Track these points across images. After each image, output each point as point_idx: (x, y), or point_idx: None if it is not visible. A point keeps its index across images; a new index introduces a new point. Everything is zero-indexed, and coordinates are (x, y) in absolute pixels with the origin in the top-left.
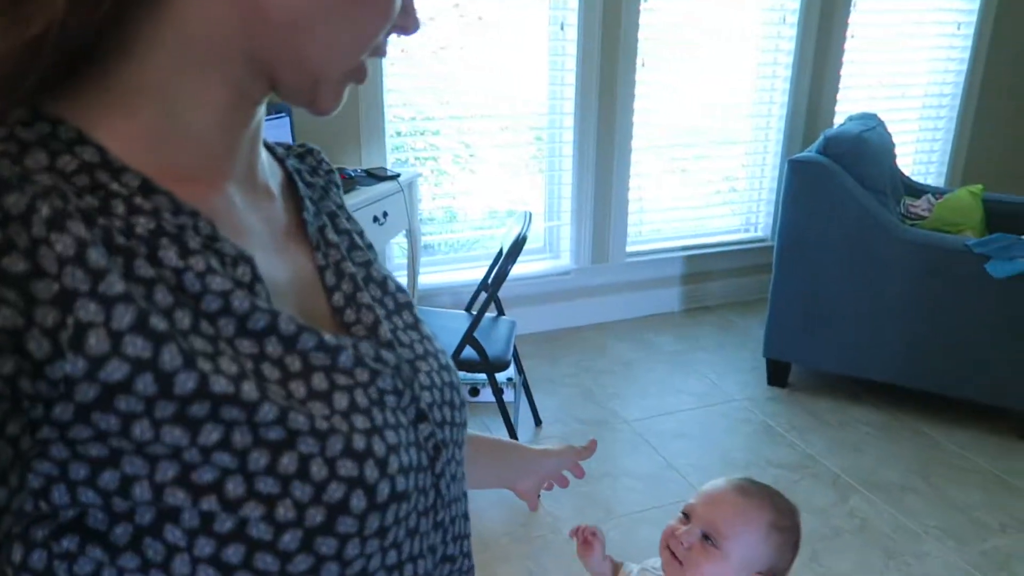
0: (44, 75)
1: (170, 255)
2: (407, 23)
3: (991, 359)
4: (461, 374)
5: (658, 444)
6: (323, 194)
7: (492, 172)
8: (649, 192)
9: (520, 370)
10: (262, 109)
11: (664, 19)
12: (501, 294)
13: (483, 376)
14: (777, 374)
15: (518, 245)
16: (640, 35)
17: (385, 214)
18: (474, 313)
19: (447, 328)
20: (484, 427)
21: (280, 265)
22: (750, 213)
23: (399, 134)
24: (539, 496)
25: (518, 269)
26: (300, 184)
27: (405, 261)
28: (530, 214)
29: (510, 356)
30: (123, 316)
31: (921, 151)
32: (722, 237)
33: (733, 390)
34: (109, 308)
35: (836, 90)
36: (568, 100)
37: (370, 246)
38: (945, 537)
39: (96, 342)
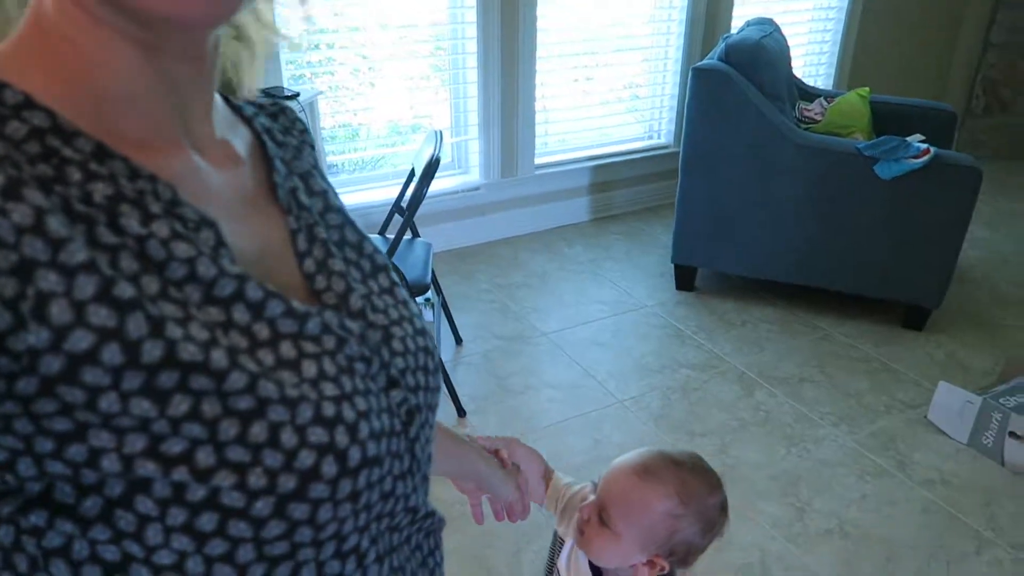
0: None
1: (132, 223)
2: None
3: (878, 256)
4: None
5: (575, 354)
6: (296, 154)
7: (393, 85)
8: (554, 103)
9: (438, 290)
10: (198, 66)
11: None
12: None
13: None
14: (684, 279)
15: (432, 166)
16: None
17: None
18: (390, 237)
19: None
20: None
21: (247, 231)
22: (653, 120)
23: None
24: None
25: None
26: (270, 144)
27: None
28: (440, 133)
29: (429, 279)
30: (86, 285)
31: (811, 54)
32: (627, 145)
33: (643, 296)
34: (71, 278)
35: None
36: (470, 9)
37: (342, 209)
38: (839, 422)
39: (58, 312)
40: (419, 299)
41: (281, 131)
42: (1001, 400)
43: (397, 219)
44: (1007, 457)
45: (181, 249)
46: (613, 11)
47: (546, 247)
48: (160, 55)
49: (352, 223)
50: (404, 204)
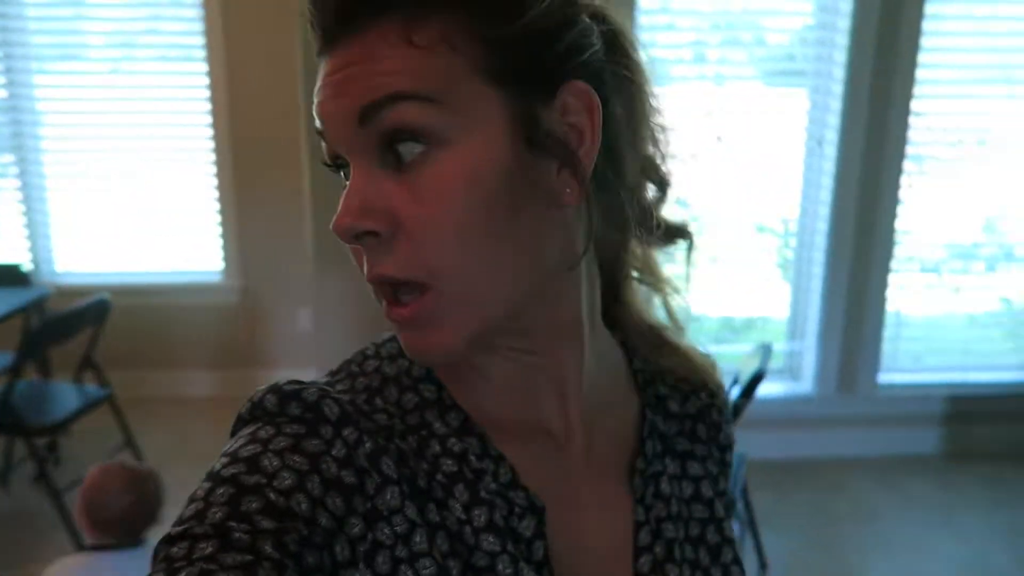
0: None
1: (457, 506)
2: None
3: None
4: None
5: None
6: (689, 426)
7: (733, 279)
8: (910, 311)
9: (747, 505)
10: (539, 360)
11: (937, 119)
12: None
13: None
14: None
15: (755, 381)
16: (911, 135)
17: None
18: None
19: None
20: None
21: (583, 518)
22: None
23: None
24: None
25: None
26: (650, 421)
27: None
28: (771, 346)
29: (739, 492)
30: (404, 548)
31: None
32: (998, 374)
33: (1006, 564)
34: (397, 538)
35: None
36: (824, 204)
37: (723, 496)
38: None
39: (382, 561)
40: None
41: (684, 394)
42: None
43: None
44: None
45: (488, 542)
46: (998, 214)
47: (881, 478)
48: (531, 355)
49: (719, 522)
50: None
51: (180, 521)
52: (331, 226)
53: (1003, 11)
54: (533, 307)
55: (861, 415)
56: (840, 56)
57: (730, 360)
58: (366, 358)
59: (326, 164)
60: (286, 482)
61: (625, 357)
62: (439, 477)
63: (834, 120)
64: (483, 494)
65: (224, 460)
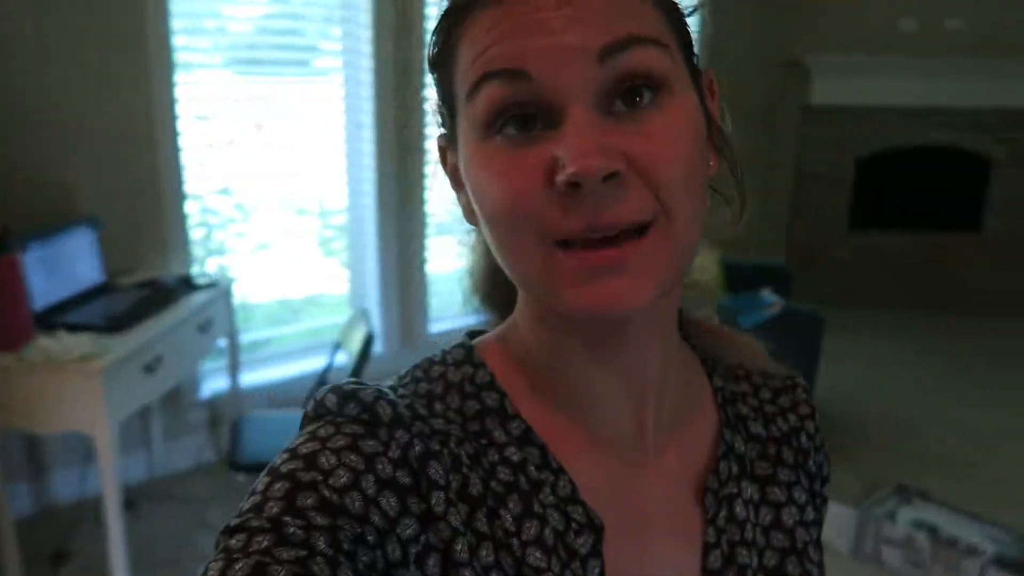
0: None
1: (508, 517)
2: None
3: None
4: None
5: None
6: (773, 448)
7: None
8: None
9: None
10: (620, 373)
11: None
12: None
13: None
14: None
15: (368, 343)
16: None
17: (209, 322)
18: None
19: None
20: None
21: (650, 535)
22: None
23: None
24: None
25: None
26: (727, 439)
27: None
28: (367, 311)
29: None
30: (455, 552)
31: None
32: None
33: None
34: (448, 541)
35: None
36: (368, 182)
37: (808, 527)
38: None
39: (433, 564)
40: None
41: (769, 416)
42: (873, 510)
43: None
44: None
45: (535, 557)
46: None
47: None
48: (575, 361)
49: (800, 552)
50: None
51: (239, 513)
52: (573, 169)
53: None
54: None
55: None
56: (366, 48)
57: (292, 340)
58: (432, 363)
59: (490, 120)
60: (341, 480)
61: (705, 373)
62: (494, 486)
63: (368, 105)
64: (536, 507)
65: (284, 456)
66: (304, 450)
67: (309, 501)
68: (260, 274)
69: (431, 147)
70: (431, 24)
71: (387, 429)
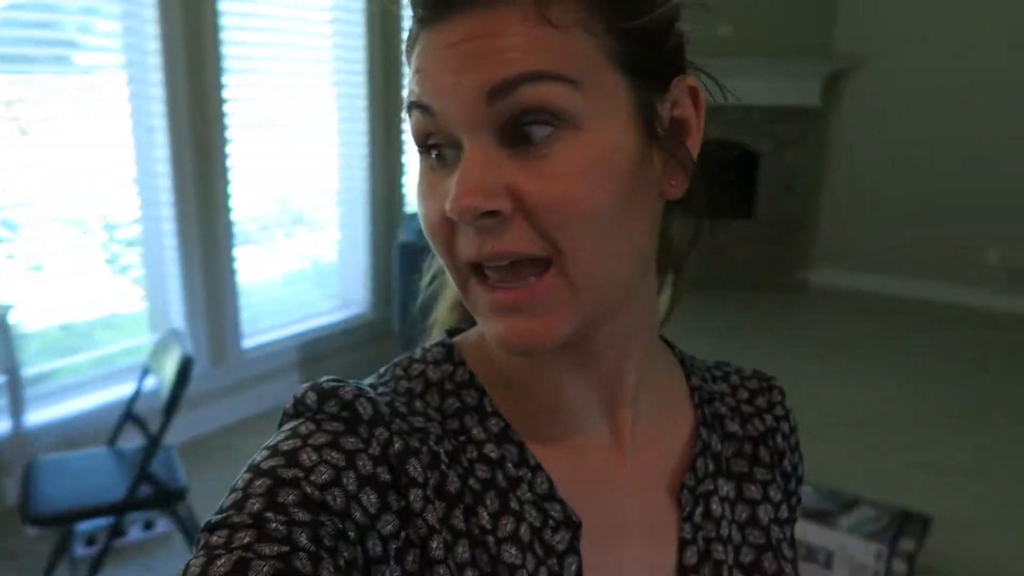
0: None
1: (484, 515)
2: None
3: None
4: (136, 515)
5: None
6: (749, 447)
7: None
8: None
9: None
10: (581, 371)
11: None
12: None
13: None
14: None
15: (187, 366)
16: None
17: None
18: (124, 447)
19: (103, 470)
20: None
21: (627, 532)
22: (349, 293)
23: None
24: None
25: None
26: (703, 438)
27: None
28: (179, 330)
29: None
30: (431, 549)
31: None
32: (324, 319)
33: None
34: (424, 538)
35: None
36: (165, 191)
37: (784, 525)
38: None
39: (412, 560)
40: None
41: (746, 416)
42: None
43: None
44: None
45: (509, 555)
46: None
47: (267, 432)
48: (545, 374)
49: (775, 549)
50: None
51: (220, 510)
52: (448, 207)
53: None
54: (620, 304)
55: (237, 381)
56: (153, 45)
57: (83, 369)
58: (412, 361)
59: (418, 144)
60: (323, 476)
61: (683, 373)
62: (472, 483)
63: (159, 108)
64: (514, 504)
65: (265, 453)
66: (285, 447)
67: (291, 497)
68: (37, 298)
69: (232, 151)
70: (224, 21)
71: (367, 426)
